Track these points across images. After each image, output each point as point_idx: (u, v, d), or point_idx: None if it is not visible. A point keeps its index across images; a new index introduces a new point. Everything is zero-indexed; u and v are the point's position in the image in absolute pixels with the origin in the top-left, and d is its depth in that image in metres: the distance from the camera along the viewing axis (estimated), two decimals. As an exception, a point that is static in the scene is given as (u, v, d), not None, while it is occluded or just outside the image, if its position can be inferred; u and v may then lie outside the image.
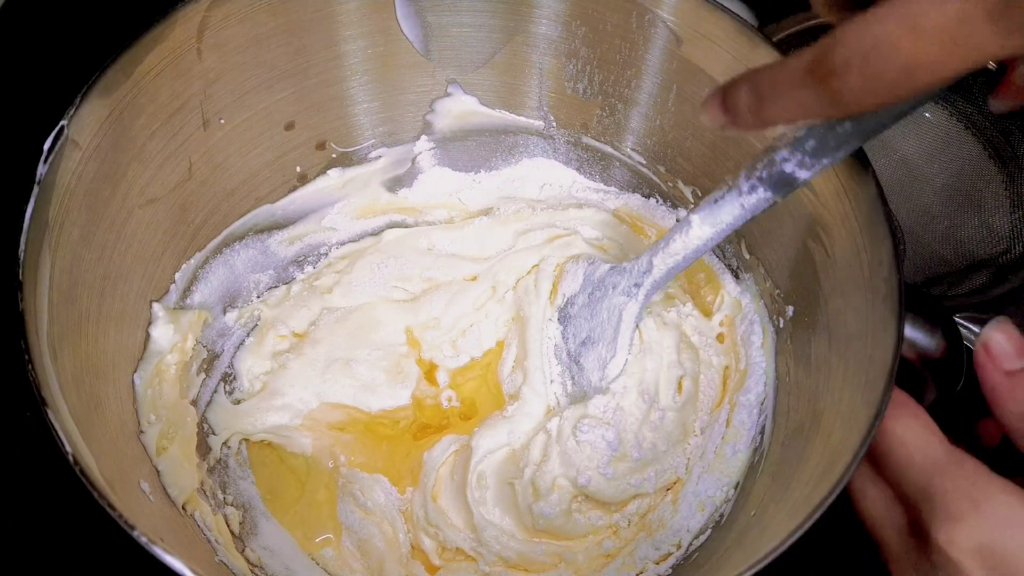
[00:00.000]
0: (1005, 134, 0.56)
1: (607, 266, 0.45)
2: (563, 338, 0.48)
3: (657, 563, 0.46)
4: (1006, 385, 0.36)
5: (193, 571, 0.29)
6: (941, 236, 0.56)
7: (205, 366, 0.51)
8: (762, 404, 0.49)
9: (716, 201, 0.39)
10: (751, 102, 0.31)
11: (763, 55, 0.45)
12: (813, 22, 0.59)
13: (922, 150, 0.58)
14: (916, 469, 0.36)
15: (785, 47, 0.45)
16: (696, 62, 0.48)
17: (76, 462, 0.31)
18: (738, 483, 0.47)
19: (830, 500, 0.33)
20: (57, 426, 0.32)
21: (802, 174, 0.35)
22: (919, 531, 0.36)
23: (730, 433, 0.49)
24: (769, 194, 0.37)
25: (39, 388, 0.32)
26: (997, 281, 0.53)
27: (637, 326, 0.46)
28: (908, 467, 0.36)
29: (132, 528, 0.30)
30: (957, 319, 0.47)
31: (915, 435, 0.37)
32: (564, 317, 0.48)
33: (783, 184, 0.36)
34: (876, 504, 0.39)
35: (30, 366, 0.33)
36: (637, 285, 0.43)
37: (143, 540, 0.29)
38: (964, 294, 0.53)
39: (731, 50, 0.46)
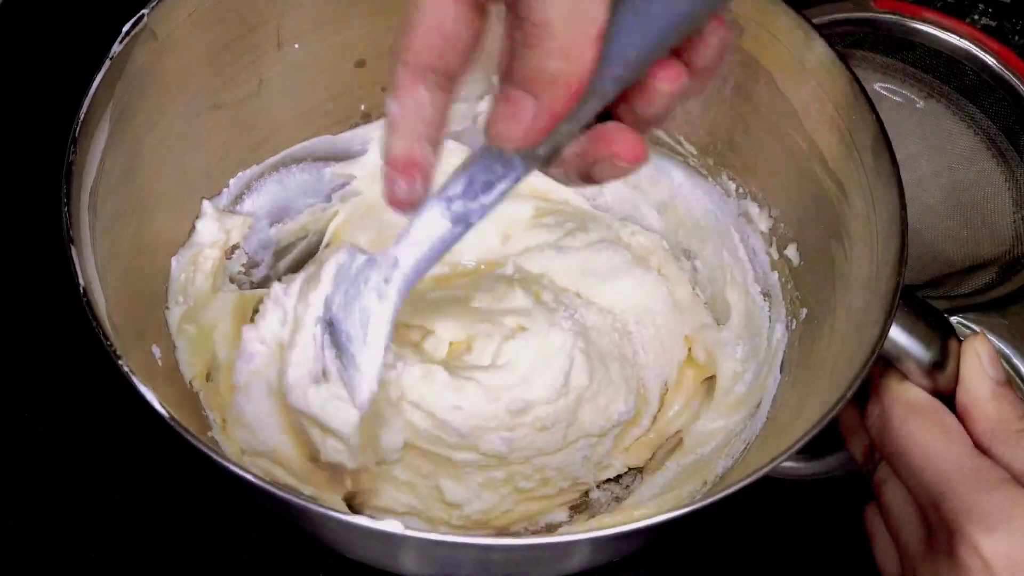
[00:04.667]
0: (1008, 133, 0.54)
1: (364, 257, 0.39)
2: (325, 348, 0.40)
3: None
4: (997, 393, 0.38)
5: (163, 405, 0.32)
6: (943, 236, 0.55)
7: (243, 271, 0.54)
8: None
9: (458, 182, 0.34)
10: None
11: (817, 50, 0.45)
12: (828, 17, 0.59)
13: (924, 149, 0.57)
14: (934, 469, 0.37)
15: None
16: (754, 54, 0.49)
17: (85, 294, 0.34)
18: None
19: (759, 475, 0.33)
20: (77, 262, 0.35)
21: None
22: (937, 535, 0.37)
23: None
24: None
25: (69, 227, 0.36)
26: (1000, 281, 0.52)
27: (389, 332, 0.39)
28: (924, 469, 0.38)
29: (119, 357, 0.33)
30: (959, 319, 0.46)
31: (935, 437, 0.38)
32: (327, 322, 0.41)
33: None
34: (896, 497, 0.40)
35: (66, 207, 0.36)
36: (387, 281, 0.37)
37: (125, 369, 0.32)
38: (966, 294, 0.52)
39: (788, 44, 0.47)
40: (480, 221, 0.34)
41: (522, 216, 0.57)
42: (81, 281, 0.35)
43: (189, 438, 0.31)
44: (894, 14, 0.58)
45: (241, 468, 0.30)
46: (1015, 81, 0.55)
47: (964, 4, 0.63)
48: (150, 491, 0.51)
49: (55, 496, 0.51)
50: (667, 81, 0.29)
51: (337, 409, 0.39)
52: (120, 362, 0.32)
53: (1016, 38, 0.62)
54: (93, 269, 0.37)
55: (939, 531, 0.37)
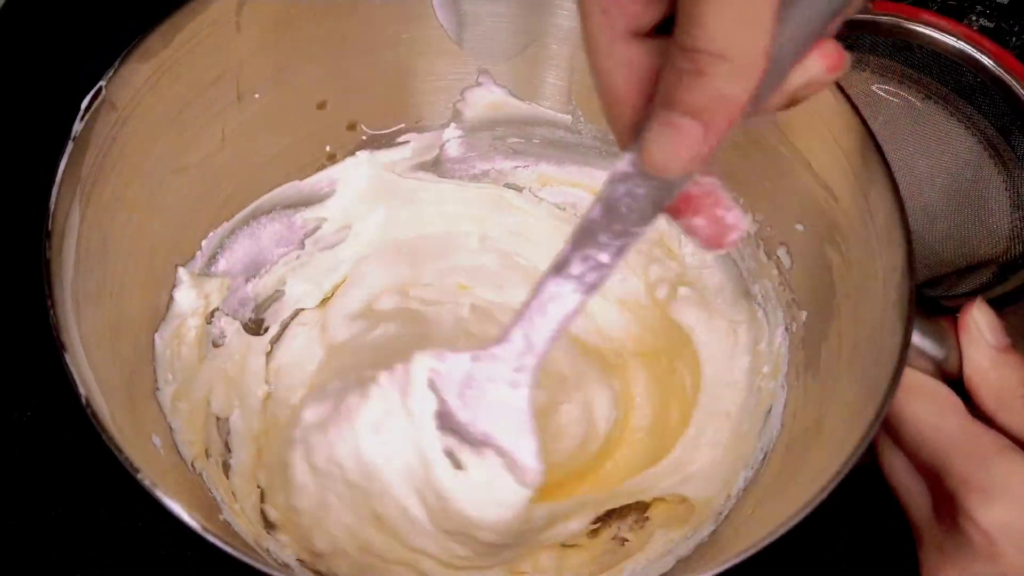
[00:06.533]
0: (1005, 134, 0.55)
1: (467, 356, 0.38)
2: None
3: None
4: (999, 360, 0.38)
5: (192, 516, 0.30)
6: (942, 236, 0.56)
7: (223, 333, 0.52)
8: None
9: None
10: None
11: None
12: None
13: (922, 150, 0.58)
14: (930, 446, 0.37)
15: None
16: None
17: (88, 404, 0.32)
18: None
19: (821, 497, 0.33)
20: (73, 370, 0.33)
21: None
22: (942, 507, 0.37)
23: None
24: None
25: (59, 332, 0.33)
26: (997, 281, 0.53)
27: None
28: (921, 444, 0.38)
29: (137, 471, 0.31)
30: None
31: (927, 412, 0.38)
32: (446, 429, 0.39)
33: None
34: (902, 474, 0.40)
35: (52, 311, 0.34)
36: (520, 370, 0.37)
37: (147, 483, 0.30)
38: (964, 294, 0.52)
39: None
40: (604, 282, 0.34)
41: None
42: (82, 391, 0.32)
43: (230, 550, 0.29)
44: (892, 16, 0.58)
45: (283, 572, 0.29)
46: (1013, 83, 0.55)
47: (962, 6, 0.63)
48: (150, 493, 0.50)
49: (55, 497, 0.49)
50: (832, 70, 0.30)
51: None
52: (139, 476, 0.30)
53: (1014, 39, 0.62)
54: (88, 371, 0.35)
55: (943, 503, 0.37)
